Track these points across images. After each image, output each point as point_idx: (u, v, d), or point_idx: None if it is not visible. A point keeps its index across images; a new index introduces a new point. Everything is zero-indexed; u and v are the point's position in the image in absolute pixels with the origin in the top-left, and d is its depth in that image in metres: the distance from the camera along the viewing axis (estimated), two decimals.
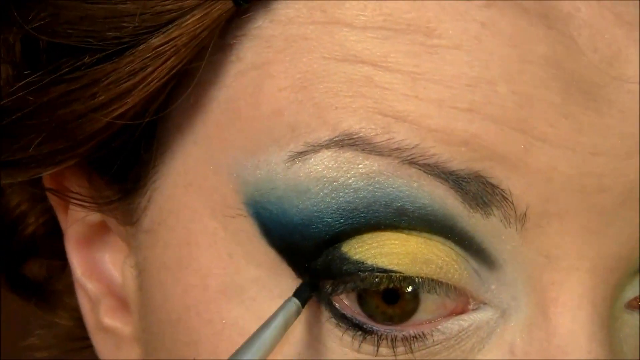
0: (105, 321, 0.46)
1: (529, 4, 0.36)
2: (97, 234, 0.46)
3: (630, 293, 0.39)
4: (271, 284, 0.39)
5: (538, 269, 0.38)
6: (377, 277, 0.37)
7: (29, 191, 0.52)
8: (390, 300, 0.38)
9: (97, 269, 0.46)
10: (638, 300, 0.40)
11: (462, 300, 0.38)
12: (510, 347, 0.38)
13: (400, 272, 0.37)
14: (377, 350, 0.38)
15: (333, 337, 0.39)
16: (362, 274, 0.37)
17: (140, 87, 0.38)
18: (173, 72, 0.38)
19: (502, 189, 0.37)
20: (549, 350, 0.37)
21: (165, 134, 0.41)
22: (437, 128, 0.36)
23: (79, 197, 0.44)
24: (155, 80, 0.38)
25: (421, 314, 0.38)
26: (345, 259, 0.37)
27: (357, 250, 0.37)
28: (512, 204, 0.37)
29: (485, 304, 0.38)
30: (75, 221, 0.46)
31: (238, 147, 0.39)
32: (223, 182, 0.39)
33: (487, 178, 0.37)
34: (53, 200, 0.47)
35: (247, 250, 0.39)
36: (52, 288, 0.56)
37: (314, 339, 0.39)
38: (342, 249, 0.38)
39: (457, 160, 0.36)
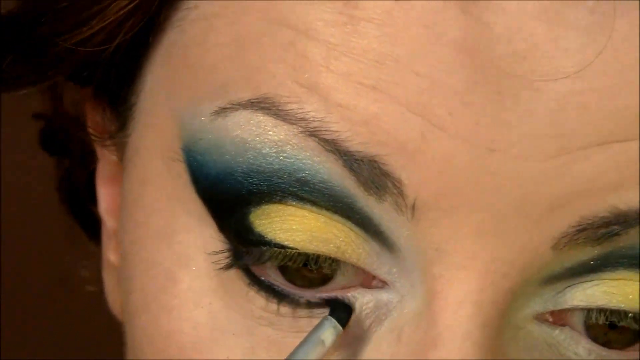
0: (110, 257, 0.49)
1: None
2: (120, 172, 0.48)
3: (539, 305, 0.38)
4: (197, 231, 0.40)
5: (429, 261, 0.37)
6: (274, 252, 0.38)
7: None
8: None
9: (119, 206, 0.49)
10: (547, 316, 0.38)
11: (369, 276, 0.39)
12: (399, 333, 0.38)
13: (296, 249, 0.38)
14: (287, 310, 0.39)
15: (241, 293, 0.40)
16: (262, 248, 0.38)
17: (100, 16, 0.40)
18: (132, 5, 0.40)
19: (394, 177, 0.36)
20: (425, 341, 0.37)
21: (141, 73, 0.43)
22: (342, 103, 0.36)
23: (94, 131, 0.48)
24: (114, 11, 0.40)
25: (340, 278, 0.39)
26: (250, 230, 0.38)
27: (261, 222, 0.38)
28: (403, 193, 0.36)
29: (387, 285, 0.38)
30: (102, 157, 0.49)
31: (184, 94, 0.40)
32: (171, 125, 0.41)
33: (381, 164, 0.36)
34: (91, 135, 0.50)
35: (181, 195, 0.41)
36: None
37: (231, 300, 0.40)
38: (250, 218, 0.38)
39: (356, 141, 0.36)
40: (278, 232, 0.38)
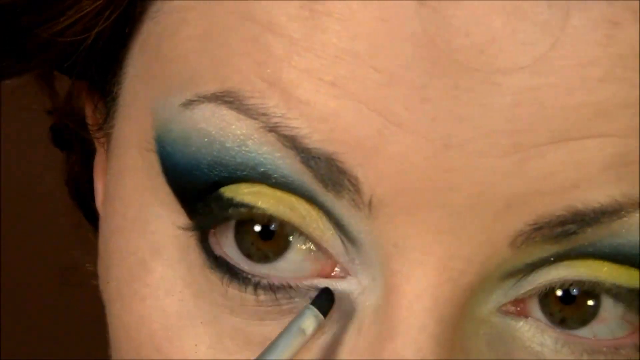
0: None
1: None
2: None
3: (501, 297, 0.38)
4: (168, 220, 0.41)
5: (388, 256, 0.37)
6: (241, 211, 0.39)
7: None
8: (266, 236, 0.39)
9: None
10: (509, 307, 0.38)
11: (329, 264, 0.39)
12: (359, 325, 0.38)
13: (264, 209, 0.38)
14: (242, 296, 0.39)
15: (204, 278, 0.40)
16: (230, 210, 0.39)
17: (77, 6, 0.41)
18: None
19: (350, 175, 0.36)
20: (382, 334, 0.37)
21: (122, 64, 0.44)
22: (302, 99, 0.36)
23: (90, 124, 0.48)
24: (91, 1, 0.41)
25: (292, 255, 0.39)
26: (219, 198, 0.39)
27: (230, 190, 0.39)
28: (360, 190, 0.36)
29: (349, 275, 0.39)
30: (98, 150, 0.50)
31: (157, 84, 0.41)
32: (146, 116, 0.41)
33: (338, 162, 0.36)
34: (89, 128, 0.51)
35: (154, 185, 0.41)
36: None
37: (198, 288, 0.40)
38: (219, 190, 0.39)
39: (314, 138, 0.36)
40: (247, 195, 0.38)
